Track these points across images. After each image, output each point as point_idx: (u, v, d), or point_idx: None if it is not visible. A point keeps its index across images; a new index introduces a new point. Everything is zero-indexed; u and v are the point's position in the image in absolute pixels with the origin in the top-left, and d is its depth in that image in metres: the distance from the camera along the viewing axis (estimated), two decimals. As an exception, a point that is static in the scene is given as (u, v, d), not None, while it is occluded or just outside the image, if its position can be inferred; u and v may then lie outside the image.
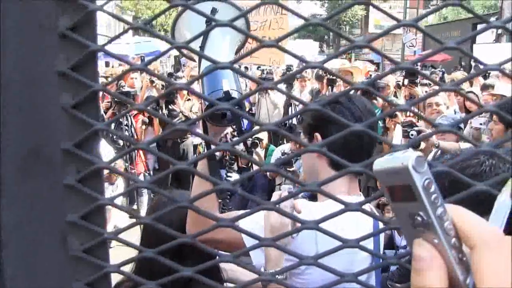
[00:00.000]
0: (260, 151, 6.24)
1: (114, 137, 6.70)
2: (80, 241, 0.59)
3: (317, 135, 1.78)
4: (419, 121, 5.06)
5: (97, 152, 0.57)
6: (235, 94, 1.40)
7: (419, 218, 0.46)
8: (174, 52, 18.05)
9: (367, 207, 1.81)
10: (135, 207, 7.13)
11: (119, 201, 6.44)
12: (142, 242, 1.97)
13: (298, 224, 0.62)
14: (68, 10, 0.54)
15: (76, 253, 0.58)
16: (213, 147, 1.61)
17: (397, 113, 6.10)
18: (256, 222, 1.57)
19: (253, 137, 5.78)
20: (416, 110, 5.15)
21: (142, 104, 0.57)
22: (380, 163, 0.47)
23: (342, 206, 0.58)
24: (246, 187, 6.14)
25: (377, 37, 0.62)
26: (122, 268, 0.59)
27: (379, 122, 5.74)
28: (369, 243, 1.72)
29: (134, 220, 0.60)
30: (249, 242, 1.60)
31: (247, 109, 8.41)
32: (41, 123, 0.57)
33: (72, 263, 0.59)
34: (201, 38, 1.49)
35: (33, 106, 0.56)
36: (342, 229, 1.63)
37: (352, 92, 1.93)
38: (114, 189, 6.09)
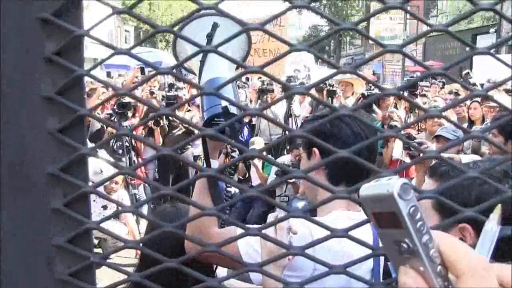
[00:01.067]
0: (258, 162, 6.23)
1: (115, 147, 6.71)
2: (66, 264, 0.59)
3: (315, 150, 1.78)
4: (418, 133, 5.06)
5: (84, 175, 0.57)
6: (233, 110, 1.40)
7: (404, 245, 0.46)
8: (175, 63, 18.13)
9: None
10: (134, 217, 7.11)
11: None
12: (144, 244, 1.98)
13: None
14: (53, 34, 0.54)
15: (62, 276, 0.58)
16: (212, 161, 1.62)
17: (397, 124, 6.11)
18: (251, 246, 1.58)
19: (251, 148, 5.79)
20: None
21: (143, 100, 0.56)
22: (366, 190, 0.47)
23: (344, 219, 0.58)
24: (245, 200, 6.13)
25: (375, 56, 0.62)
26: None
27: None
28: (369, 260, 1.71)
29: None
30: (246, 257, 1.60)
31: (247, 121, 8.44)
32: (27, 147, 0.57)
33: (58, 286, 0.59)
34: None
35: (19, 131, 0.56)
36: (339, 242, 1.64)
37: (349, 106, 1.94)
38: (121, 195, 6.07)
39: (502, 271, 0.45)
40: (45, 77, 0.55)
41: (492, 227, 0.52)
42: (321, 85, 8.48)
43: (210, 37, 1.49)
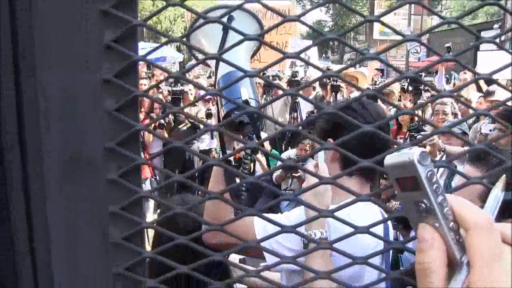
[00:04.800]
0: (261, 157, 6.29)
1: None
2: (120, 230, 0.66)
3: (330, 140, 1.84)
4: (425, 126, 5.12)
5: (137, 150, 0.64)
6: (253, 103, 1.45)
7: (423, 205, 0.53)
8: (179, 58, 18.19)
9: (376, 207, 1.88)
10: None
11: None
12: (155, 239, 2.05)
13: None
14: (112, 23, 0.61)
15: (116, 240, 0.65)
16: (227, 151, 1.68)
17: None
18: (264, 227, 1.65)
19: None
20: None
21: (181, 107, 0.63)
22: (390, 159, 0.55)
23: (354, 206, 0.65)
24: (252, 192, 6.19)
25: (385, 50, 0.69)
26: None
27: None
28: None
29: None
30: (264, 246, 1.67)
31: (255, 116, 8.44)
32: (85, 126, 0.64)
33: (112, 250, 0.66)
34: (217, 45, 1.55)
35: (77, 111, 0.63)
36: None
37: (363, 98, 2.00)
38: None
39: (503, 228, 0.53)
40: (104, 62, 0.62)
41: (497, 193, 0.60)
42: (325, 80, 8.55)
43: (225, 28, 1.55)
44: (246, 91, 1.46)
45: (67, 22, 0.61)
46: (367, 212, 1.78)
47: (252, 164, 6.53)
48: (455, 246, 0.52)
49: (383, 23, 0.61)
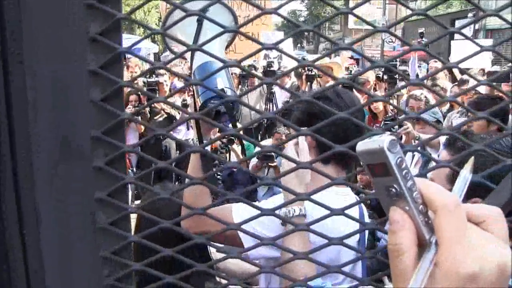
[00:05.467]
0: (236, 147, 6.30)
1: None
2: (106, 216, 0.69)
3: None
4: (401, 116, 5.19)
5: (122, 138, 0.67)
6: (229, 93, 1.47)
7: (393, 190, 0.57)
8: (154, 49, 18.06)
9: (352, 194, 1.93)
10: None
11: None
12: (137, 222, 2.07)
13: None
14: (97, 16, 0.64)
15: (103, 225, 0.68)
16: (204, 142, 1.71)
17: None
18: (242, 216, 1.68)
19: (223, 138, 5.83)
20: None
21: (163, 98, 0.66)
22: (361, 145, 0.58)
23: (331, 193, 0.68)
24: (227, 183, 6.20)
25: (359, 40, 0.72)
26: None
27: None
28: (355, 225, 1.82)
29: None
30: (243, 234, 1.70)
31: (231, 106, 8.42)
32: (72, 115, 0.66)
33: (99, 234, 0.69)
34: (192, 36, 1.56)
35: (65, 102, 0.66)
36: (332, 219, 1.74)
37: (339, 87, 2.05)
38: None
39: (470, 209, 0.57)
40: (90, 54, 0.64)
41: (466, 174, 0.63)
42: (300, 69, 8.58)
43: (200, 20, 1.57)
44: (222, 81, 1.48)
45: (54, 16, 0.64)
46: (343, 200, 1.82)
47: (227, 154, 6.55)
48: (424, 227, 0.56)
49: (356, 16, 0.64)
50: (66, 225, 0.69)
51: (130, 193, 7.63)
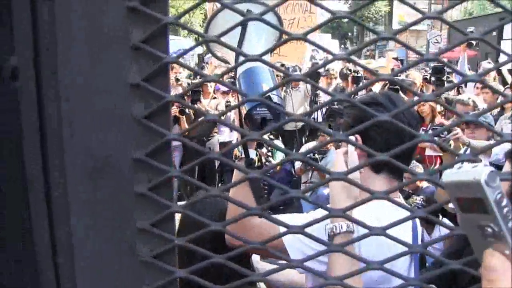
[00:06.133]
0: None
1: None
2: (149, 247, 0.60)
3: (357, 136, 1.78)
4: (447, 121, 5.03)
5: (169, 161, 0.58)
6: (275, 99, 1.40)
7: (489, 230, 0.47)
8: (198, 50, 18.14)
9: (404, 204, 1.82)
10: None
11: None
12: (180, 228, 2.01)
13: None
14: (140, 22, 0.56)
15: (146, 258, 0.60)
16: (250, 150, 1.63)
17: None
18: (297, 238, 1.60)
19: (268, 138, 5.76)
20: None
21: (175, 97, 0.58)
22: (451, 175, 0.49)
23: (382, 205, 0.59)
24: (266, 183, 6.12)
25: (403, 29, 0.63)
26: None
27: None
28: (408, 239, 1.73)
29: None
30: (290, 247, 1.62)
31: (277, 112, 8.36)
32: (112, 134, 0.58)
33: (141, 268, 0.61)
34: (237, 39, 1.49)
35: (103, 118, 0.58)
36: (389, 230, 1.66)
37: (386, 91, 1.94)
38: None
39: None
40: (132, 64, 0.56)
41: None
42: (346, 71, 8.44)
43: (244, 24, 1.50)
44: (268, 86, 1.41)
45: (91, 20, 0.56)
46: (395, 210, 1.72)
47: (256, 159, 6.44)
48: None
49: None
50: (103, 257, 0.61)
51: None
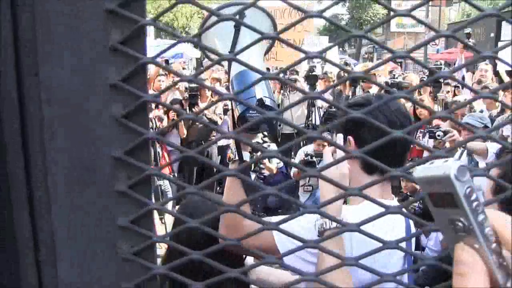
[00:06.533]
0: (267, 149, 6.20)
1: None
2: (130, 244, 0.62)
3: (350, 138, 1.79)
4: (444, 122, 5.04)
5: (148, 159, 0.60)
6: (268, 102, 1.40)
7: (460, 224, 0.48)
8: (196, 55, 18.16)
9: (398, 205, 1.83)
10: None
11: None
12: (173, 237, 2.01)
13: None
14: (118, 24, 0.57)
15: (126, 255, 0.61)
16: (244, 152, 1.64)
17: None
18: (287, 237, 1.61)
19: (256, 141, 5.77)
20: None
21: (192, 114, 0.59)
22: (422, 171, 0.50)
23: (376, 208, 0.60)
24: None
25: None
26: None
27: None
28: (402, 244, 1.74)
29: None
30: (282, 247, 1.62)
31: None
32: (91, 133, 0.59)
33: (122, 265, 0.62)
34: (230, 43, 1.50)
35: (83, 118, 0.59)
36: (373, 231, 1.65)
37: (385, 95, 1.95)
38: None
39: None
40: (110, 65, 0.57)
41: None
42: (344, 74, 8.46)
43: (237, 26, 1.50)
44: (261, 89, 1.41)
45: (71, 23, 0.57)
46: (392, 216, 1.73)
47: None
48: (498, 270, 0.46)
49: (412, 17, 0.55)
50: (85, 254, 0.62)
51: (170, 194, 7.66)
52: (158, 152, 7.21)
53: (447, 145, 4.72)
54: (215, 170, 7.57)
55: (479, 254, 0.47)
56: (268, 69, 11.67)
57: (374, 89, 8.29)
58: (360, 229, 0.59)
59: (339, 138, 1.72)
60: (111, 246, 0.62)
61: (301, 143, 7.49)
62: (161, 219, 6.51)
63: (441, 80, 7.00)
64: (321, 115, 7.60)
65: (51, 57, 0.58)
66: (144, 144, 0.59)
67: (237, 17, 1.60)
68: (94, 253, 0.62)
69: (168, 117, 7.31)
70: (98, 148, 0.60)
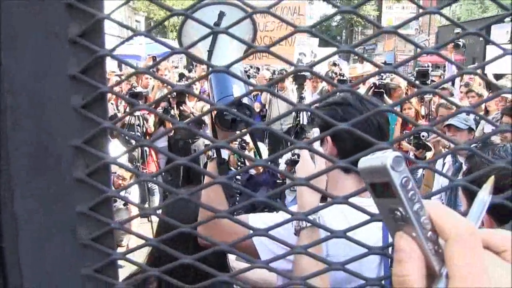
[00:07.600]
0: (250, 153, 6.24)
1: (126, 137, 6.78)
2: (88, 231, 0.64)
3: (327, 137, 1.82)
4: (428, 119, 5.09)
5: (105, 149, 0.62)
6: (245, 100, 1.42)
7: (398, 213, 0.50)
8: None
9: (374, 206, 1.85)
10: (146, 205, 7.20)
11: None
12: (157, 229, 2.04)
13: None
14: (77, 17, 0.59)
15: (85, 241, 0.63)
16: (222, 150, 1.66)
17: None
18: (265, 223, 1.63)
19: (240, 140, 5.80)
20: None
21: (146, 105, 0.61)
22: (364, 162, 0.52)
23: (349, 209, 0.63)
24: (249, 185, 6.17)
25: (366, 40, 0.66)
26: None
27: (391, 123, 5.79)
28: (377, 238, 1.76)
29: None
30: (259, 245, 1.65)
31: (258, 110, 8.40)
32: (52, 123, 0.62)
33: (81, 251, 0.64)
34: (209, 42, 1.52)
35: (44, 108, 0.61)
36: (353, 232, 1.67)
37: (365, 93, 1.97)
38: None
39: (489, 236, 0.50)
40: (70, 57, 0.60)
41: (484, 196, 0.56)
42: (332, 74, 8.52)
43: (217, 26, 1.52)
44: (238, 87, 1.43)
45: (32, 16, 0.59)
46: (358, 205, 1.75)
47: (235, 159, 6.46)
48: (434, 257, 0.49)
49: (399, 35, 0.58)
50: (46, 239, 0.64)
51: (158, 196, 7.66)
52: (146, 150, 7.24)
53: (431, 145, 4.77)
54: (201, 167, 7.59)
55: (416, 242, 0.50)
56: (258, 68, 11.70)
57: (362, 90, 8.34)
58: (347, 236, 0.62)
59: (315, 132, 1.74)
60: (71, 232, 0.64)
61: (288, 144, 7.52)
62: (147, 217, 6.53)
63: (428, 82, 7.05)
64: (309, 115, 7.63)
65: (14, 49, 0.60)
66: (102, 134, 0.62)
67: (216, 16, 1.61)
68: (54, 238, 0.64)
69: (155, 116, 7.33)
70: (58, 137, 0.62)
